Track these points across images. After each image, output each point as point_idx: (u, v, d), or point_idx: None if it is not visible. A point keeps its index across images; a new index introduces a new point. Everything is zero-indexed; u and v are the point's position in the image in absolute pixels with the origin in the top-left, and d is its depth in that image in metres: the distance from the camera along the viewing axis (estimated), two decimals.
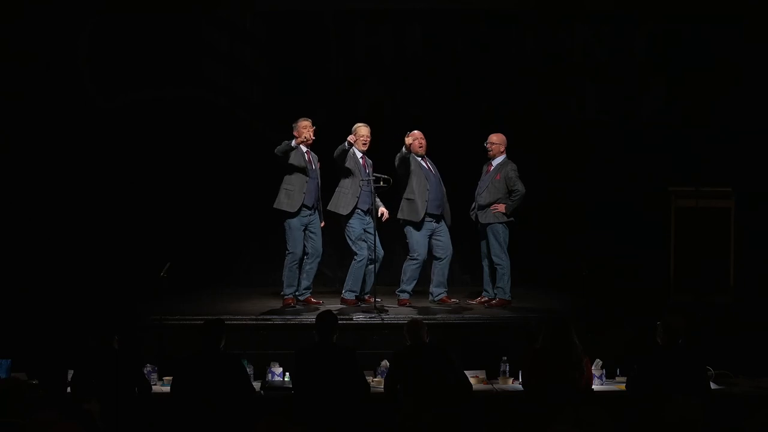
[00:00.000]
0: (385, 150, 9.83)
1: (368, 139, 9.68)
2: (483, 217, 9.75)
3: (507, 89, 11.15)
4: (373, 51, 11.26)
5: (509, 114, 10.97)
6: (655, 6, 11.04)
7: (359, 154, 9.69)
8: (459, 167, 10.30)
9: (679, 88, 11.06)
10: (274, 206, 9.50)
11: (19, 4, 10.64)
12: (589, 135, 11.17)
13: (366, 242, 9.63)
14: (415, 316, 8.40)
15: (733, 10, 10.89)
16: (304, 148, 9.57)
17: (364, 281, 9.76)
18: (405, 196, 9.66)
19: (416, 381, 7.18)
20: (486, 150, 9.81)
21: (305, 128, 9.47)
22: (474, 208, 9.85)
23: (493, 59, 11.20)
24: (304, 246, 9.58)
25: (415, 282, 9.75)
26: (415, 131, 9.70)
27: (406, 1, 11.11)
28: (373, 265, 9.73)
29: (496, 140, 9.79)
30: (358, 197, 9.58)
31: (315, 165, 9.64)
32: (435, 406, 6.83)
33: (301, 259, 9.60)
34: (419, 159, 9.73)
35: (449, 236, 9.76)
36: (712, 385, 8.24)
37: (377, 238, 9.61)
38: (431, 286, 9.80)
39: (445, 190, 9.77)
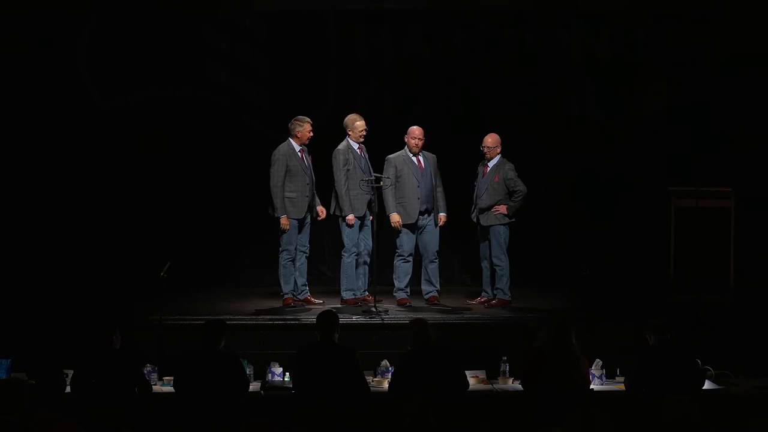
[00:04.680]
0: (384, 150, 9.83)
1: (485, 149, 9.76)
2: (485, 220, 9.75)
3: (507, 89, 11.14)
4: (373, 51, 11.25)
5: (509, 114, 10.96)
6: (655, 6, 11.03)
7: (356, 146, 9.70)
8: (459, 167, 10.29)
9: (679, 87, 11.05)
10: (279, 215, 9.48)
11: (19, 3, 10.64)
12: (589, 135, 11.16)
13: (359, 237, 9.68)
14: (418, 316, 8.36)
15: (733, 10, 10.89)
16: (297, 147, 9.58)
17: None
18: (396, 200, 9.68)
19: (419, 381, 7.18)
20: (482, 152, 9.80)
21: (309, 132, 9.54)
22: (474, 210, 9.86)
23: (492, 59, 11.19)
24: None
25: (408, 278, 9.75)
26: (415, 129, 9.72)
27: (406, 1, 11.10)
28: (366, 264, 9.76)
29: (491, 142, 9.77)
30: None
31: (309, 163, 9.66)
32: (435, 406, 6.83)
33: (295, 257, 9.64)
34: (411, 156, 9.73)
35: (437, 233, 9.77)
36: (713, 385, 8.27)
37: (373, 236, 9.64)
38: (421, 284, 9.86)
39: (435, 183, 9.75)
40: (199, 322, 7.95)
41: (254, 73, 11.24)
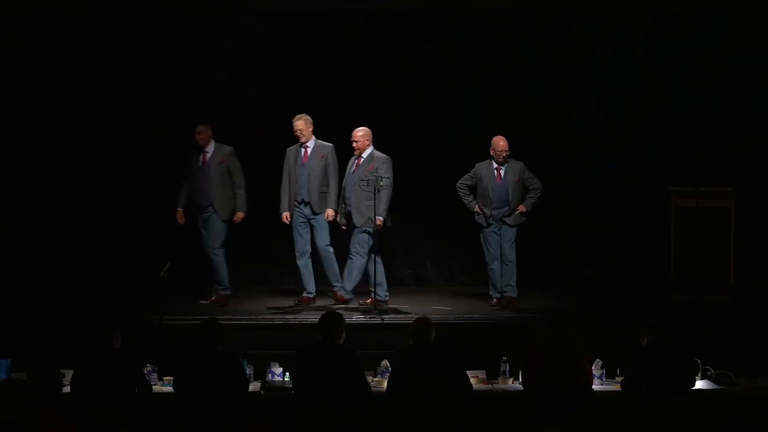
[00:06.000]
0: (384, 150, 9.82)
1: (297, 132, 9.66)
2: (514, 220, 9.78)
3: (507, 89, 11.14)
4: (373, 51, 11.25)
5: (509, 114, 10.96)
6: (655, 6, 11.04)
7: (302, 150, 9.72)
8: (459, 167, 10.29)
9: (679, 87, 11.06)
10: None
11: (19, 3, 10.65)
12: (589, 135, 11.16)
13: (300, 234, 9.70)
14: (424, 315, 8.31)
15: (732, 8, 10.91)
16: (200, 150, 9.75)
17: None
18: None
19: (418, 381, 7.18)
20: (501, 156, 9.75)
21: (197, 134, 9.73)
22: (490, 213, 9.80)
23: (493, 59, 11.19)
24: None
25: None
26: (355, 131, 9.68)
27: (406, 1, 11.11)
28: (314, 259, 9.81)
29: (506, 145, 9.76)
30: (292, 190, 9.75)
31: (212, 161, 9.75)
32: (436, 407, 6.83)
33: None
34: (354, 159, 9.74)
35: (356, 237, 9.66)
36: (713, 385, 8.27)
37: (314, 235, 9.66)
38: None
39: (354, 188, 9.62)
40: (198, 322, 7.94)
41: (254, 73, 11.25)
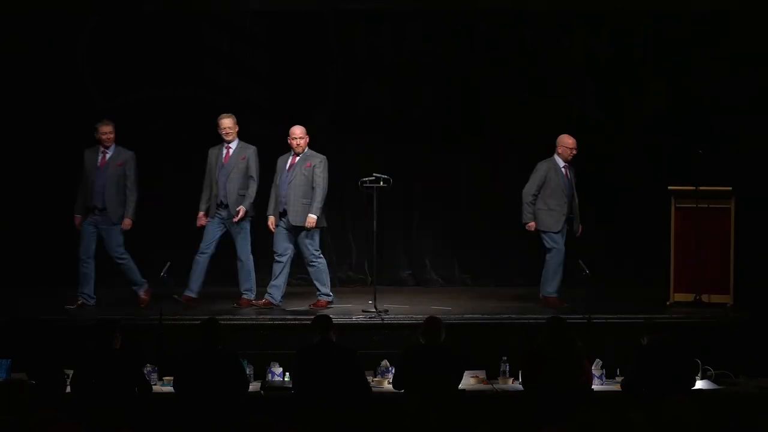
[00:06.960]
0: (384, 150, 9.83)
1: (226, 130, 9.59)
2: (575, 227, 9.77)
3: (507, 89, 11.14)
4: (373, 51, 11.25)
5: (509, 114, 10.96)
6: (655, 6, 11.04)
7: (224, 151, 9.65)
8: (459, 167, 10.29)
9: (679, 87, 11.06)
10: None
11: (19, 3, 10.65)
12: (589, 135, 11.15)
13: (209, 231, 9.61)
14: (434, 315, 8.24)
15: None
16: (100, 149, 9.57)
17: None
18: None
19: (419, 380, 7.18)
20: (571, 154, 9.72)
21: (102, 133, 9.50)
22: (570, 220, 9.75)
23: (493, 59, 11.19)
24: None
25: (274, 278, 9.58)
26: (294, 128, 9.56)
27: (406, 1, 11.11)
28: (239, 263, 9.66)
29: (574, 143, 9.68)
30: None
31: (111, 163, 9.57)
32: (437, 407, 6.84)
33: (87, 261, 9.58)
34: (289, 157, 9.57)
35: (287, 236, 9.53)
36: (713, 385, 8.27)
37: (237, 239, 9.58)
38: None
39: (291, 186, 9.50)
40: (198, 322, 7.95)
41: (254, 73, 11.24)
